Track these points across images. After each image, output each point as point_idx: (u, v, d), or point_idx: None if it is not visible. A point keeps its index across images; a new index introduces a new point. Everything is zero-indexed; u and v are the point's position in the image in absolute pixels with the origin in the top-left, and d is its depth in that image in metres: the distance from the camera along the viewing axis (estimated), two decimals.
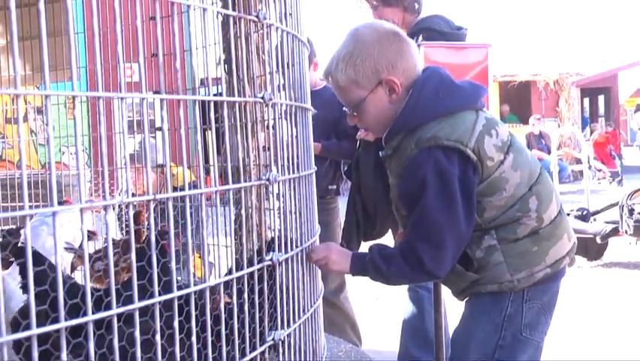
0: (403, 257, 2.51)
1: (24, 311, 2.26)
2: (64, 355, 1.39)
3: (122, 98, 1.64)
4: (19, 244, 3.11)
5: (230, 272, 2.06)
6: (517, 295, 2.57)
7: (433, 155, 2.43)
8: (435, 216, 2.44)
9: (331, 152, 5.07)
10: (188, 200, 1.88)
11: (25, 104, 5.07)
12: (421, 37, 4.09)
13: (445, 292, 3.46)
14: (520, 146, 2.59)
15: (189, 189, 1.89)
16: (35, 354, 1.33)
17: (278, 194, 2.40)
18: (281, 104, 2.42)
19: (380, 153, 2.71)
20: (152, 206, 1.74)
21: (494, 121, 2.57)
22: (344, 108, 2.70)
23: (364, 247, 3.21)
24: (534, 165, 2.61)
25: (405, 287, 4.51)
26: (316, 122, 4.61)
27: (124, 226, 4.45)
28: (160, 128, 1.86)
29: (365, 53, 2.52)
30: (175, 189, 1.84)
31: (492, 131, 2.50)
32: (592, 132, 22.65)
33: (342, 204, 5.04)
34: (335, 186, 5.31)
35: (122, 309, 1.60)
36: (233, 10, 2.26)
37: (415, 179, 2.48)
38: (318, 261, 2.64)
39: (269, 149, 2.36)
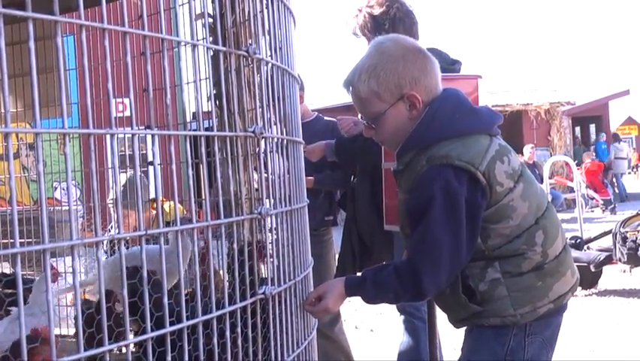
0: (397, 273, 2.47)
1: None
2: None
3: (112, 135, 1.65)
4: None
5: (223, 306, 2.05)
6: (520, 330, 2.53)
7: (443, 173, 2.41)
8: (438, 233, 2.40)
9: (324, 184, 5.08)
10: (179, 235, 1.88)
11: (17, 140, 5.08)
12: None
13: (440, 323, 3.45)
14: (530, 177, 2.58)
15: (181, 223, 1.89)
16: None
17: (270, 227, 2.40)
18: (272, 138, 2.43)
19: (391, 168, 2.68)
20: (143, 241, 1.74)
21: (507, 149, 2.56)
22: (362, 121, 2.66)
23: None
24: (542, 198, 2.59)
25: (400, 318, 4.50)
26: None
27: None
28: (152, 163, 1.87)
29: (390, 67, 2.51)
30: (167, 224, 1.84)
31: (504, 158, 2.49)
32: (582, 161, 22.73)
33: (337, 235, 5.05)
34: (332, 217, 5.32)
35: (114, 345, 1.60)
36: (224, 45, 2.28)
37: (422, 194, 2.45)
38: (312, 306, 2.59)
39: (261, 183, 2.36)
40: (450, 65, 4.32)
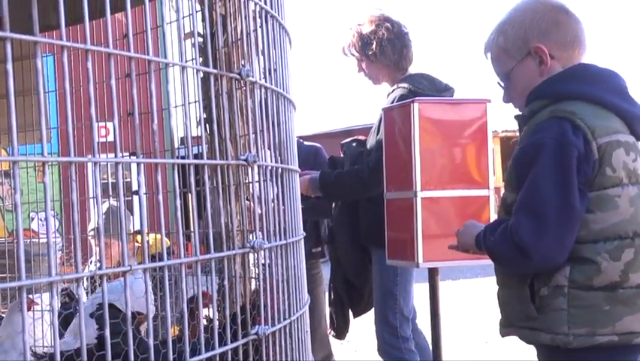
0: (504, 233, 2.39)
1: None
2: None
3: (95, 162, 1.65)
4: None
5: (213, 347, 2.04)
6: (570, 355, 2.37)
7: (561, 124, 2.33)
8: (542, 184, 2.33)
9: (311, 213, 5.06)
10: (167, 270, 1.88)
11: None
12: (398, 97, 4.15)
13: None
14: None
15: (167, 255, 1.89)
16: None
17: (264, 262, 2.40)
18: (266, 166, 2.43)
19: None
20: (127, 277, 1.74)
21: (638, 149, 2.43)
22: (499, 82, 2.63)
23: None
24: None
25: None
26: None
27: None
28: (137, 192, 1.87)
29: (517, 20, 2.52)
30: (152, 257, 1.84)
31: (631, 153, 2.38)
32: None
33: (325, 269, 5.06)
34: (319, 249, 5.33)
35: None
36: (214, 66, 2.29)
37: (532, 143, 2.40)
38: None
39: (254, 214, 2.36)
40: (442, 92, 4.35)
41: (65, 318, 3.72)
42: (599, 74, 2.49)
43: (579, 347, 2.34)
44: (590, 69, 2.50)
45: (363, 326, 8.51)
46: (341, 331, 4.83)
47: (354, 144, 4.64)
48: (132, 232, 4.60)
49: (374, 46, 4.43)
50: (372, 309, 4.75)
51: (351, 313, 4.83)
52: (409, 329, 4.46)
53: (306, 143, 5.42)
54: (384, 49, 4.43)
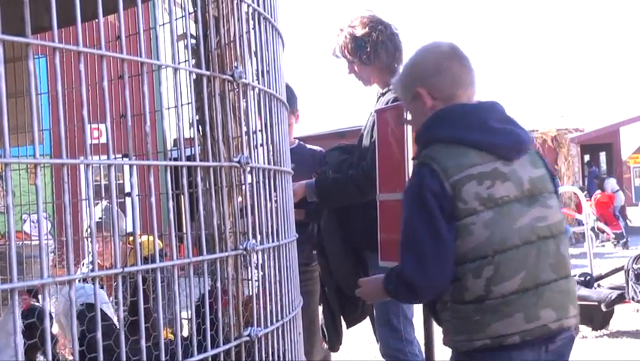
0: (395, 274, 2.83)
1: None
2: None
3: (87, 164, 1.65)
4: None
5: (205, 350, 2.04)
6: (463, 356, 2.82)
7: (421, 170, 2.76)
8: (413, 226, 2.73)
9: (316, 216, 5.06)
10: (159, 272, 1.88)
11: None
12: (392, 100, 4.15)
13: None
14: (512, 212, 2.73)
15: (159, 258, 1.88)
16: None
17: (257, 264, 2.40)
18: (259, 168, 2.43)
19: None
20: (120, 279, 1.74)
21: (504, 176, 2.75)
22: None
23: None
24: (515, 236, 2.72)
25: None
26: (298, 180, 4.65)
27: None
28: (129, 194, 1.87)
29: (407, 67, 3.08)
30: (144, 259, 1.83)
31: (486, 182, 2.71)
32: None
33: None
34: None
35: None
36: (207, 68, 2.28)
37: (406, 187, 2.91)
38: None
39: (246, 216, 2.36)
40: None
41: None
42: (460, 113, 2.86)
43: (464, 350, 2.79)
44: (452, 111, 2.86)
45: (355, 329, 8.50)
46: (334, 343, 4.82)
47: (335, 152, 4.65)
48: (125, 233, 4.60)
49: (368, 49, 4.42)
50: (367, 317, 4.76)
51: (344, 324, 4.82)
52: (413, 331, 4.46)
53: (308, 146, 5.41)
54: (378, 52, 4.42)
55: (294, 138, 5.37)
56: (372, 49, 4.41)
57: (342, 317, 4.76)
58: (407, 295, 2.92)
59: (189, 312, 2.12)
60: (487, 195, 2.70)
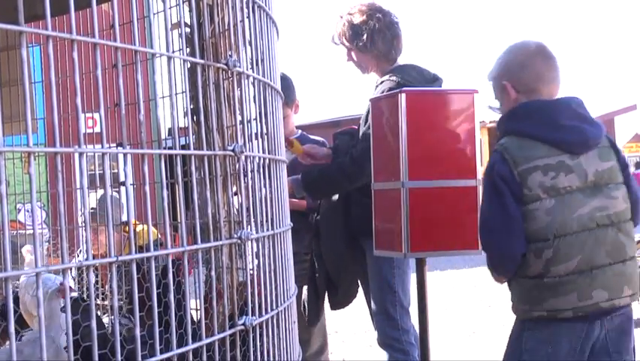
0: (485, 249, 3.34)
1: None
2: None
3: (81, 153, 1.65)
4: None
5: (200, 338, 2.05)
6: (522, 322, 3.24)
7: (495, 157, 3.18)
8: (485, 202, 3.26)
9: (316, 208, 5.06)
10: (153, 261, 1.88)
11: None
12: (387, 90, 4.15)
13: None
14: (576, 202, 3.10)
15: (155, 247, 1.88)
16: None
17: (252, 252, 2.40)
18: (253, 157, 2.43)
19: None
20: (114, 268, 1.74)
21: (567, 167, 3.12)
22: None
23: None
24: (574, 223, 3.08)
25: (384, 353, 4.53)
26: (300, 170, 4.66)
27: (84, 289, 4.41)
28: (123, 183, 1.87)
29: (498, 61, 3.35)
30: (140, 248, 1.83)
31: (550, 173, 3.10)
32: None
33: None
34: None
35: None
36: (202, 57, 2.28)
37: (483, 173, 3.32)
38: None
39: (241, 205, 2.36)
40: (431, 82, 4.35)
41: None
42: (535, 109, 3.22)
43: (524, 318, 3.23)
44: (528, 107, 3.23)
45: (351, 317, 8.53)
46: (313, 319, 4.84)
47: (346, 137, 4.64)
48: (120, 222, 4.60)
49: (365, 37, 4.42)
50: (361, 303, 4.77)
51: (327, 304, 4.85)
52: (409, 320, 4.48)
53: (311, 136, 5.40)
54: (374, 40, 4.42)
55: (297, 128, 5.37)
56: (369, 36, 4.42)
57: (327, 299, 4.78)
58: (489, 264, 3.32)
59: (192, 301, 2.12)
60: (551, 184, 3.07)
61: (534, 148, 3.13)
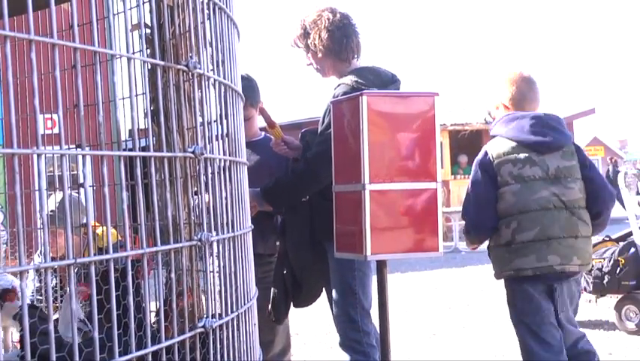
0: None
1: None
2: None
3: (39, 154, 1.63)
4: None
5: (159, 341, 2.04)
6: (505, 286, 4.45)
7: (482, 152, 4.42)
8: (469, 190, 4.42)
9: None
10: (112, 263, 1.86)
11: None
12: (341, 94, 4.17)
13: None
14: (534, 186, 4.26)
15: (115, 249, 1.87)
16: None
17: (211, 255, 2.39)
18: (214, 159, 2.42)
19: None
20: (73, 270, 1.72)
21: (531, 160, 4.29)
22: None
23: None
24: (532, 203, 4.24)
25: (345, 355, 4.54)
26: (264, 172, 4.66)
27: (43, 292, 4.36)
28: (82, 185, 1.85)
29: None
30: (100, 250, 1.82)
31: (518, 164, 4.28)
32: None
33: None
34: None
35: None
36: (162, 58, 2.27)
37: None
38: None
39: (201, 207, 2.35)
40: (388, 84, 4.38)
41: None
42: (514, 120, 4.37)
43: (499, 278, 4.43)
44: (509, 118, 4.40)
45: (312, 319, 8.53)
46: (280, 316, 4.85)
47: (315, 135, 4.65)
48: (80, 224, 4.56)
49: (312, 35, 4.45)
50: (323, 304, 4.77)
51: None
52: (370, 322, 4.49)
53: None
54: (322, 39, 4.44)
55: (260, 130, 5.36)
56: (316, 35, 4.44)
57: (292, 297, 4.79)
58: (466, 232, 4.57)
59: (152, 303, 2.11)
60: (517, 173, 4.26)
61: (510, 147, 4.31)
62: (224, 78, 2.57)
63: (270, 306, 4.73)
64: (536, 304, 4.26)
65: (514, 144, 4.30)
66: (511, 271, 4.27)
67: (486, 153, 4.34)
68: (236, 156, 2.65)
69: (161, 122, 2.20)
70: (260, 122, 5.15)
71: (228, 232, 2.49)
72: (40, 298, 4.30)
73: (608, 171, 29.96)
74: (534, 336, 4.29)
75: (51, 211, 4.41)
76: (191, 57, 2.31)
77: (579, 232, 4.27)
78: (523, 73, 4.54)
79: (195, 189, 2.43)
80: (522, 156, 4.27)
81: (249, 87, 4.77)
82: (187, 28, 2.42)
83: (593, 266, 8.49)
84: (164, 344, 2.03)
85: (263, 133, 5.30)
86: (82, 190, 4.18)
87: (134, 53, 2.14)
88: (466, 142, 23.02)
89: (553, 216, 4.23)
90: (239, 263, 2.59)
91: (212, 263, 2.41)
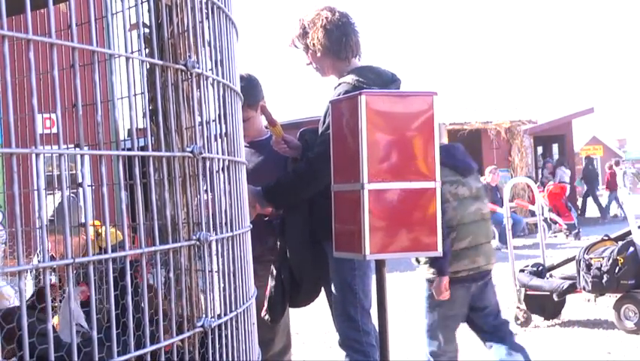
0: None
1: None
2: None
3: (38, 154, 1.63)
4: None
5: (158, 340, 2.04)
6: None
7: None
8: None
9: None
10: (111, 263, 1.86)
11: None
12: (342, 93, 4.16)
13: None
14: (468, 203, 5.26)
15: (116, 249, 1.87)
16: None
17: (210, 254, 2.39)
18: (212, 158, 2.42)
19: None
20: (71, 270, 1.72)
21: (463, 183, 5.26)
22: None
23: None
24: (466, 217, 5.21)
25: (343, 354, 4.54)
26: (268, 172, 4.65)
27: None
28: (81, 185, 1.85)
29: None
30: (101, 249, 1.82)
31: (454, 185, 5.18)
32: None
33: None
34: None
35: None
36: (161, 58, 2.27)
37: None
38: None
39: (200, 206, 2.35)
40: (388, 84, 4.37)
41: None
42: (446, 150, 4.97)
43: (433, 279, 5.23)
44: (442, 149, 4.30)
45: (312, 319, 8.52)
46: (277, 316, 4.84)
47: (314, 135, 4.64)
48: (78, 224, 4.56)
49: (310, 35, 4.45)
50: (325, 304, 4.77)
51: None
52: (370, 321, 4.48)
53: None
54: (320, 38, 4.44)
55: (266, 128, 5.35)
56: (315, 34, 4.43)
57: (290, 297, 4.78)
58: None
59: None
60: (454, 192, 5.19)
61: (447, 172, 4.95)
62: (223, 78, 2.57)
63: (265, 306, 4.73)
64: (461, 300, 5.28)
65: (449, 169, 5.08)
66: (450, 274, 5.13)
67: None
68: (235, 156, 2.65)
69: (159, 122, 2.19)
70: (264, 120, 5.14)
71: (227, 231, 2.49)
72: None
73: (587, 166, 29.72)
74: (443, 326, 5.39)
75: (51, 217, 4.40)
76: (189, 57, 2.31)
77: (490, 237, 5.54)
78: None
79: (194, 188, 2.43)
80: (455, 178, 5.23)
81: (251, 86, 4.77)
82: (185, 28, 2.42)
83: (592, 265, 8.50)
84: (163, 343, 2.03)
85: (269, 132, 5.30)
86: (80, 190, 4.19)
87: (132, 53, 2.14)
88: (465, 142, 22.92)
89: (480, 227, 5.33)
90: (238, 263, 2.59)
91: (211, 263, 2.41)
